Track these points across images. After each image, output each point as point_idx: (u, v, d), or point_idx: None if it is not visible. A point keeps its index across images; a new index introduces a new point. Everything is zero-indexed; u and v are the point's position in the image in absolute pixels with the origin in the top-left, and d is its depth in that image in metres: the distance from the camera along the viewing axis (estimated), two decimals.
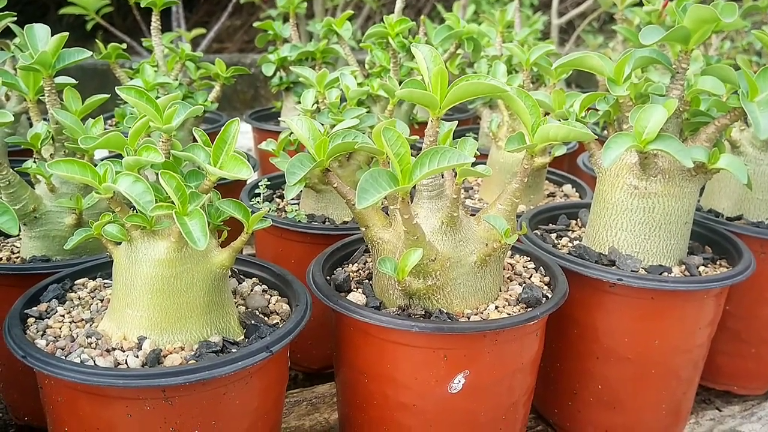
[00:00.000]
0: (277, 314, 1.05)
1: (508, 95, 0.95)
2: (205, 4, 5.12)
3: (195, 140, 0.97)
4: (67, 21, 4.28)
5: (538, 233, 1.32)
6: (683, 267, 1.18)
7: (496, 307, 1.04)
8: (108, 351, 0.90)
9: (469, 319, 1.01)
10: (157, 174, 0.88)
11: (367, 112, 1.37)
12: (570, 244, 1.29)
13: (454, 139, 1.03)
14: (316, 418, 1.32)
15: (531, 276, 1.15)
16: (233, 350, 0.92)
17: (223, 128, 0.91)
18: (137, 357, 0.89)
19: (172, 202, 0.87)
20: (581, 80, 3.91)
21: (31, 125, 1.22)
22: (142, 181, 0.87)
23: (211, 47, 4.52)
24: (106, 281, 1.09)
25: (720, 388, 1.45)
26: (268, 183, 1.51)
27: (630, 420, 1.22)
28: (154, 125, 0.93)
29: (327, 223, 1.38)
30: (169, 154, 0.95)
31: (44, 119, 1.23)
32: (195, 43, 3.72)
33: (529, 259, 1.20)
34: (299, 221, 1.36)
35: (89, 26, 2.83)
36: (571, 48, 3.82)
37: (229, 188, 1.56)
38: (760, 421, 1.38)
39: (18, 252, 1.24)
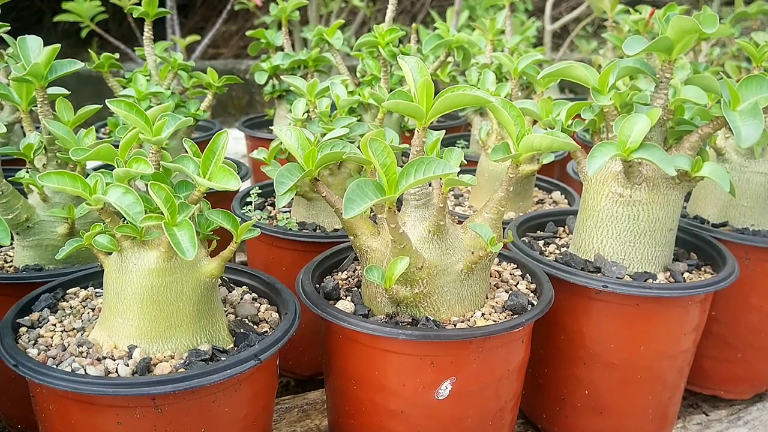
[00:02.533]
0: (267, 322, 1.06)
1: (493, 106, 0.97)
2: (201, 10, 5.14)
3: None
4: (62, 27, 4.30)
5: (526, 240, 1.33)
6: (668, 273, 1.20)
7: (483, 315, 1.05)
8: (99, 360, 0.91)
9: (455, 326, 1.02)
10: (146, 185, 0.89)
11: (359, 120, 1.38)
12: (557, 251, 1.31)
13: (444, 146, 1.05)
14: (307, 424, 1.33)
15: (518, 283, 1.17)
16: (222, 358, 0.93)
17: (212, 139, 0.93)
18: (127, 365, 0.90)
19: (162, 213, 0.88)
20: (574, 85, 3.92)
21: (24, 135, 1.24)
22: (132, 192, 0.88)
23: (206, 53, 4.54)
24: (97, 290, 1.10)
25: (707, 392, 1.46)
26: (260, 191, 1.52)
27: (617, 425, 1.23)
28: (144, 137, 0.94)
29: (318, 231, 1.40)
30: (159, 165, 0.97)
31: (37, 129, 1.25)
32: (190, 49, 3.74)
33: (516, 266, 1.22)
34: (290, 229, 1.37)
35: (84, 33, 2.84)
36: (565, 53, 3.84)
37: (220, 197, 1.57)
38: (746, 426, 1.40)
39: (11, 261, 1.25)
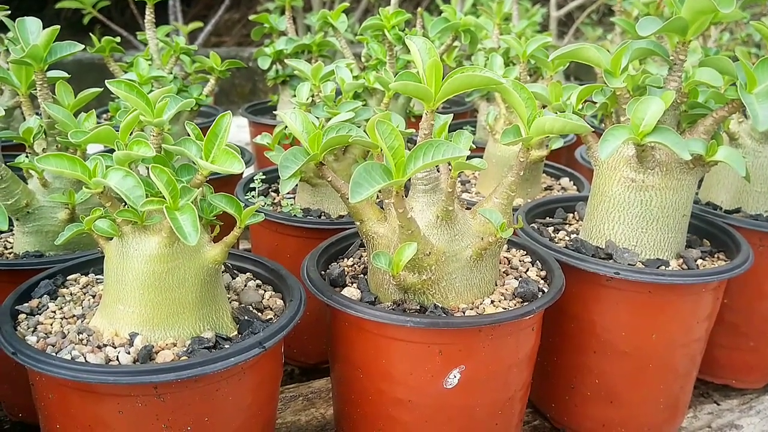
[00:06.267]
0: (271, 309, 1.04)
1: (504, 87, 0.94)
2: None
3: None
4: (65, 15, 4.27)
5: (535, 227, 1.31)
6: (681, 260, 1.17)
7: (492, 302, 1.03)
8: (99, 347, 0.89)
9: (464, 313, 1.00)
10: (148, 168, 0.87)
11: (364, 105, 1.36)
12: (567, 238, 1.28)
13: (450, 132, 1.02)
14: (312, 413, 1.31)
15: (527, 270, 1.14)
16: (226, 346, 0.91)
17: (214, 122, 0.90)
18: (129, 353, 0.88)
19: (163, 197, 0.86)
20: (580, 73, 3.89)
21: (24, 119, 1.21)
22: (133, 175, 0.86)
23: (209, 41, 4.51)
24: (98, 277, 1.08)
25: (718, 381, 1.44)
26: (264, 177, 1.50)
27: (627, 414, 1.21)
28: (145, 119, 0.92)
29: (323, 217, 1.37)
30: (161, 148, 0.94)
31: (37, 113, 1.23)
32: (192, 37, 3.71)
33: (525, 252, 1.19)
34: (294, 215, 1.35)
35: (86, 20, 2.81)
36: (570, 40, 3.80)
37: (224, 182, 1.55)
38: (758, 415, 1.38)
39: (11, 247, 1.23)
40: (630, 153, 1.13)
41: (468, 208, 1.06)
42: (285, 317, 0.94)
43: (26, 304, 0.99)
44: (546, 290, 1.06)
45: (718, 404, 1.41)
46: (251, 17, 2.03)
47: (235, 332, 0.97)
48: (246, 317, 0.98)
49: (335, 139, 0.96)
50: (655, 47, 1.09)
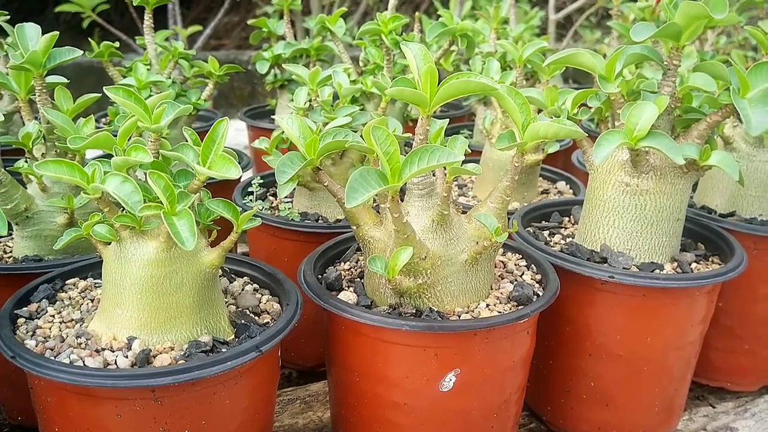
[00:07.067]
0: (268, 313, 1.05)
1: (498, 93, 0.95)
2: (203, 1, 5.11)
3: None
4: (64, 18, 4.28)
5: (531, 231, 1.32)
6: (675, 264, 1.18)
7: (487, 306, 1.04)
8: (97, 351, 0.90)
9: (459, 317, 1.01)
10: (145, 174, 0.88)
11: (361, 109, 1.37)
12: (562, 242, 1.29)
13: (448, 136, 1.03)
14: (309, 416, 1.32)
15: (523, 274, 1.15)
16: (223, 350, 0.92)
17: (212, 127, 0.91)
18: (127, 357, 0.88)
19: (161, 202, 0.87)
20: (578, 76, 3.90)
21: (23, 124, 1.22)
22: (131, 181, 0.87)
23: (208, 44, 4.52)
24: (96, 281, 1.09)
25: (713, 384, 1.45)
26: (261, 181, 1.51)
27: (623, 417, 1.22)
28: (143, 125, 0.93)
29: (320, 221, 1.38)
30: (158, 153, 0.95)
31: (36, 118, 1.23)
32: (192, 40, 3.72)
33: (521, 256, 1.20)
34: (292, 219, 1.36)
35: (85, 24, 2.83)
36: (569, 43, 3.81)
37: (222, 186, 1.56)
38: (753, 418, 1.38)
39: (10, 252, 1.24)
40: (624, 157, 1.14)
41: (464, 212, 1.07)
42: (282, 321, 0.95)
43: (25, 308, 1.00)
44: (541, 294, 1.07)
45: (714, 407, 1.42)
46: (250, 21, 2.04)
47: (233, 336, 0.98)
48: (243, 321, 0.99)
49: (332, 144, 0.97)
50: (649, 52, 1.10)
